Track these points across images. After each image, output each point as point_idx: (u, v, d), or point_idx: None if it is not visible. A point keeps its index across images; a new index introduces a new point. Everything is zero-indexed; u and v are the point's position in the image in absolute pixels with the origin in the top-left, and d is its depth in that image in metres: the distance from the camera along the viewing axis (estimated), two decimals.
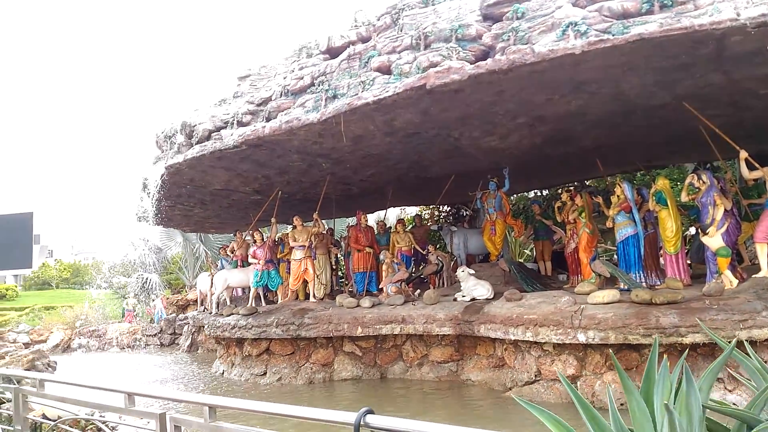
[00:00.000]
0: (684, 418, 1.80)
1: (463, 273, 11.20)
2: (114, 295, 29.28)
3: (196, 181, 12.18)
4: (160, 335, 20.91)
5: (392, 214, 22.93)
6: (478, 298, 10.66)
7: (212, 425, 3.02)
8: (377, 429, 2.25)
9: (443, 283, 13.46)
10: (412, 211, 23.60)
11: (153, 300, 24.67)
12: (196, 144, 10.81)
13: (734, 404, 5.11)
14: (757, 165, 8.68)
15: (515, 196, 19.81)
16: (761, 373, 2.34)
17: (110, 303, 27.77)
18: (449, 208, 20.73)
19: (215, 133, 10.65)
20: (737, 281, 8.55)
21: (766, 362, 7.50)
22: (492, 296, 10.59)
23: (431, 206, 20.41)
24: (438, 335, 10.42)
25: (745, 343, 2.68)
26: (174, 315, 21.65)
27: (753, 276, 8.55)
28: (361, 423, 2.25)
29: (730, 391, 7.28)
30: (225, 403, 3.03)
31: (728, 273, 8.62)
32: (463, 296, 10.89)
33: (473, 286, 10.90)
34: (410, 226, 17.63)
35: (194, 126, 11.01)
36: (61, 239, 78.68)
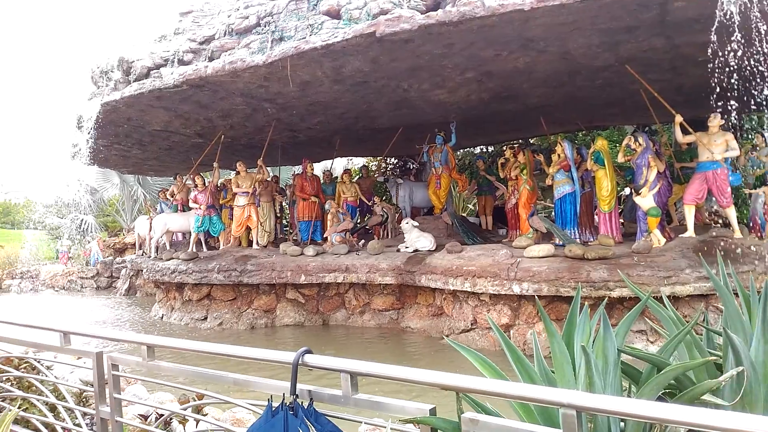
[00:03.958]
0: (600, 360, 1.94)
1: (407, 225, 11.36)
2: (48, 236, 28.20)
3: (134, 121, 11.70)
4: (96, 278, 20.42)
5: (339, 164, 22.80)
6: (420, 249, 10.87)
7: (150, 364, 3.02)
8: (315, 367, 2.32)
9: (387, 235, 13.63)
10: (359, 161, 23.53)
11: (89, 242, 23.92)
12: (134, 81, 10.33)
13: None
14: (690, 130, 9.06)
15: (461, 151, 20.03)
16: (674, 323, 2.52)
17: (44, 244, 26.75)
18: (396, 160, 20.77)
19: (154, 71, 10.20)
20: (665, 240, 9.04)
21: (686, 317, 8.02)
22: (434, 248, 10.82)
23: (378, 158, 20.40)
24: (380, 284, 10.62)
25: (664, 297, 2.87)
26: (111, 258, 21.12)
27: (680, 236, 9.06)
28: (300, 362, 2.30)
29: (652, 342, 7.78)
30: (164, 342, 3.02)
31: (657, 232, 9.09)
32: (407, 247, 11.08)
33: (416, 238, 11.09)
34: (357, 176, 17.62)
35: (132, 62, 10.50)
36: None
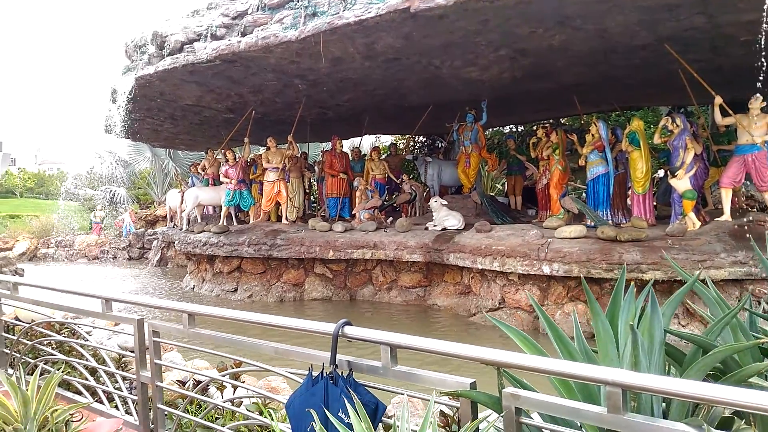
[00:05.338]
0: (646, 339, 1.93)
1: (435, 203, 11.34)
2: (81, 207, 28.83)
3: (167, 95, 11.82)
4: (128, 249, 20.87)
5: (367, 142, 22.77)
6: (449, 228, 10.86)
7: (191, 332, 3.10)
8: (355, 339, 2.35)
9: (415, 213, 13.63)
10: (387, 139, 23.46)
11: (121, 214, 24.41)
12: (167, 56, 10.41)
13: None
14: (730, 111, 8.82)
15: (491, 130, 19.81)
16: (719, 304, 2.48)
17: (77, 214, 27.37)
18: (425, 138, 20.66)
19: (188, 46, 10.24)
20: (700, 223, 8.87)
21: None
22: (463, 227, 10.79)
23: (407, 135, 20.33)
24: (408, 262, 10.65)
25: (708, 279, 2.83)
26: (143, 230, 21.54)
27: (715, 219, 8.88)
28: (340, 333, 2.34)
29: (683, 326, 7.71)
30: (205, 311, 3.09)
31: (692, 215, 8.92)
32: (435, 226, 11.08)
33: (445, 217, 11.07)
34: (385, 154, 17.59)
35: (166, 37, 10.56)
36: (24, 147, 76.28)
